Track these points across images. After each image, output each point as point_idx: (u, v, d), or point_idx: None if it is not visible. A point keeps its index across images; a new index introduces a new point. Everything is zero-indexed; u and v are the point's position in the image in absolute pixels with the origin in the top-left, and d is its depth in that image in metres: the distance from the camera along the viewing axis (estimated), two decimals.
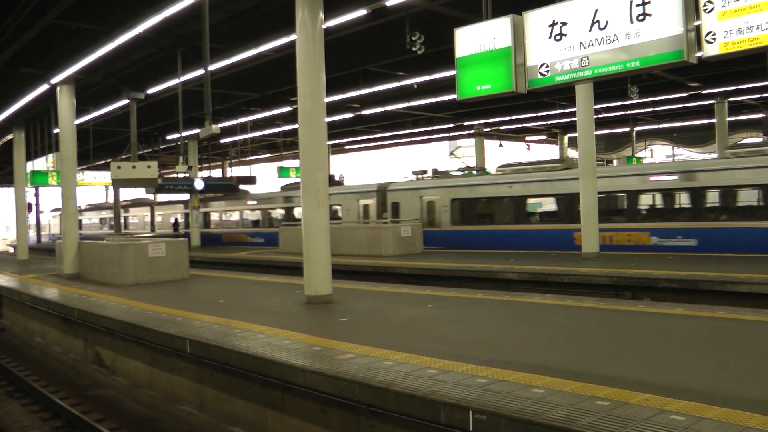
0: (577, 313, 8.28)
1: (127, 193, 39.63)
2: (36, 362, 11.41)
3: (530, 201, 19.78)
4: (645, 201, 17.94)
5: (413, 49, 12.70)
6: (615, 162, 37.50)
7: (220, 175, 34.30)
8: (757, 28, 5.82)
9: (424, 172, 25.06)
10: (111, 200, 34.99)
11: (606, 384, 4.85)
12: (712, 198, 16.07)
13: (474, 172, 24.50)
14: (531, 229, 19.15)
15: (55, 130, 18.28)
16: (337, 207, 25.42)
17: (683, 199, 16.74)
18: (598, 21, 6.83)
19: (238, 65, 15.09)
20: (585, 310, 8.45)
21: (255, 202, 30.10)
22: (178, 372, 7.97)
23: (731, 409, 4.17)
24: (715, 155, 26.77)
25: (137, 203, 38.65)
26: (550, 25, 7.23)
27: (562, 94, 21.08)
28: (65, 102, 16.14)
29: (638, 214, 17.28)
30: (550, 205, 19.90)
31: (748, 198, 15.83)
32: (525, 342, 6.71)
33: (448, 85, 17.21)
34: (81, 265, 16.07)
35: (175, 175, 27.90)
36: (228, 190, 27.46)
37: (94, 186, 31.19)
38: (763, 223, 14.70)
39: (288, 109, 21.72)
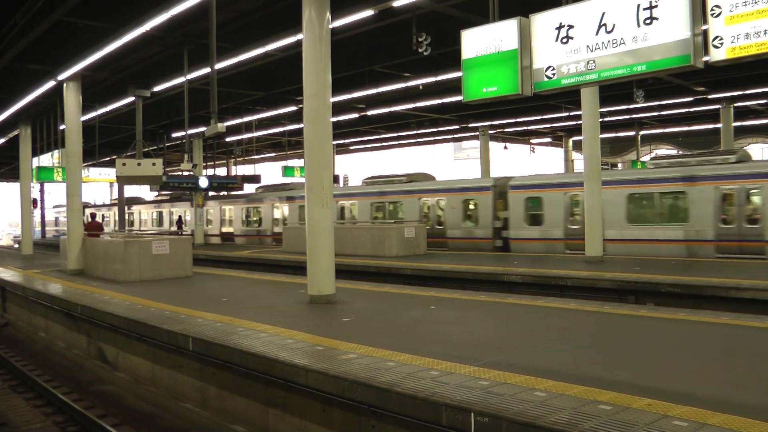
0: (579, 317, 8.26)
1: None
2: (39, 357, 11.44)
3: None
4: None
5: (419, 50, 12.69)
6: (620, 166, 37.46)
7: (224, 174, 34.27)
8: (765, 33, 5.80)
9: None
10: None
11: (608, 388, 4.84)
12: None
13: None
14: None
15: (61, 127, 18.35)
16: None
17: None
18: (605, 24, 6.82)
19: (245, 64, 15.12)
20: (588, 314, 8.43)
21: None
22: (181, 369, 7.99)
23: (734, 415, 4.16)
24: None
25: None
26: (556, 28, 7.22)
27: (567, 96, 21.05)
28: (71, 98, 16.19)
29: None
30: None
31: None
32: (528, 345, 6.70)
33: (454, 86, 17.19)
34: (85, 261, 16.13)
35: (180, 173, 27.93)
36: (233, 188, 27.06)
37: (99, 182, 31.23)
38: None
39: (293, 108, 21.75)
